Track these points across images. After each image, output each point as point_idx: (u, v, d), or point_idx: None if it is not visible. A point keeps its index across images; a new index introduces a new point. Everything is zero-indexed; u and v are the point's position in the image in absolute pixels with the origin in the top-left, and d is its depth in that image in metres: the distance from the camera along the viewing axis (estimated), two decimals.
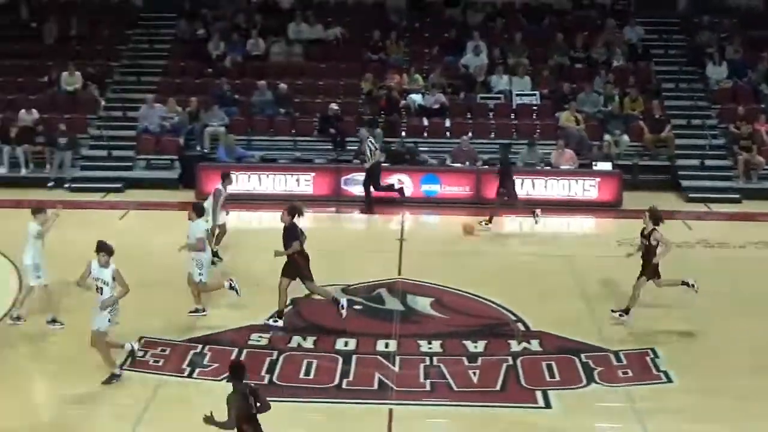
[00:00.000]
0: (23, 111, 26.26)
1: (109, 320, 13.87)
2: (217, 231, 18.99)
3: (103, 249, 13.82)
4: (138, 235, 21.37)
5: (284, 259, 15.92)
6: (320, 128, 26.75)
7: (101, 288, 13.81)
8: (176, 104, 26.67)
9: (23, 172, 25.42)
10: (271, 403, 10.72)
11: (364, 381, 14.31)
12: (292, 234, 15.75)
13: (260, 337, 15.76)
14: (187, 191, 24.55)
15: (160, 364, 14.76)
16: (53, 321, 15.95)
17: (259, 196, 24.36)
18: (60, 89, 27.66)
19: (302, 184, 24.56)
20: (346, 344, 15.54)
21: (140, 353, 14.87)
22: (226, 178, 19.33)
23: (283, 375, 14.45)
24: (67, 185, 24.93)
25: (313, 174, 24.88)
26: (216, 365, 14.66)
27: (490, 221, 22.13)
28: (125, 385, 14.08)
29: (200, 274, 16.36)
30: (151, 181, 25.35)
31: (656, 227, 16.21)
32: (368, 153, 23.76)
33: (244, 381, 10.66)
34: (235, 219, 23.69)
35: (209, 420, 10.32)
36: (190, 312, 16.48)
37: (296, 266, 15.85)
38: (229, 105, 27.14)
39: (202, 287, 16.50)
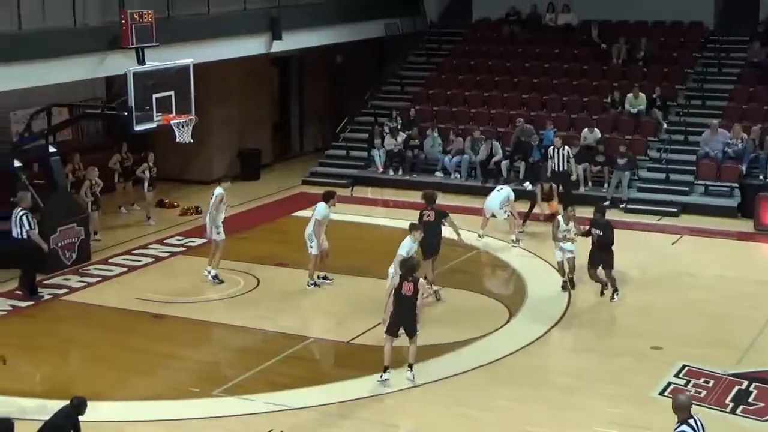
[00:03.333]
0: (586, 130, 26.70)
1: None
2: None
3: None
4: (690, 261, 20.87)
5: None
6: None
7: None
8: (742, 131, 25.65)
9: (581, 189, 25.78)
10: None
11: None
12: None
13: None
14: (745, 220, 23.54)
15: (702, 395, 14.19)
16: None
17: None
18: (623, 110, 27.80)
19: None
20: None
21: (681, 382, 14.50)
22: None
23: None
24: (622, 206, 24.91)
25: None
26: (762, 405, 13.83)
27: None
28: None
29: None
30: (709, 207, 24.57)
31: None
32: None
33: None
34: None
35: None
36: None
37: None
38: None
39: None
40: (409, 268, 14.56)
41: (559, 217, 18.62)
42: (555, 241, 18.53)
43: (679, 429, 9.96)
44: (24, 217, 18.32)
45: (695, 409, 13.32)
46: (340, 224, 21.47)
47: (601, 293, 18.19)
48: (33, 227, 18.39)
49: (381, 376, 14.47)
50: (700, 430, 9.98)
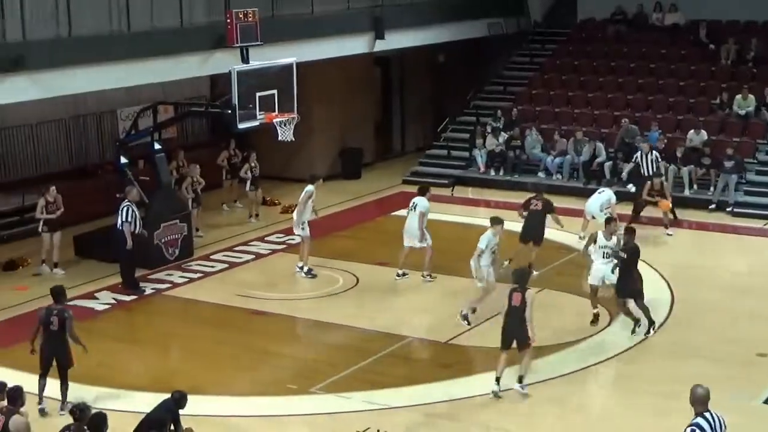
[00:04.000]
0: (692, 131, 26.19)
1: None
2: None
3: None
4: None
5: None
6: None
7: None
8: None
9: (686, 192, 25.30)
10: None
11: None
12: None
13: None
14: None
15: None
16: None
17: None
18: (731, 112, 27.19)
19: None
20: None
21: None
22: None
23: None
24: (729, 209, 24.38)
25: None
26: None
27: None
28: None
29: None
30: None
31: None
32: None
33: None
34: None
35: None
36: None
37: None
38: None
39: None
40: (518, 278, 14.20)
41: (600, 232, 17.06)
42: (586, 257, 17.15)
43: (693, 422, 9.66)
44: (124, 209, 18.66)
45: None
46: (440, 224, 21.43)
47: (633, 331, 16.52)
48: (127, 220, 18.66)
49: (492, 388, 14.12)
50: (716, 425, 9.64)
